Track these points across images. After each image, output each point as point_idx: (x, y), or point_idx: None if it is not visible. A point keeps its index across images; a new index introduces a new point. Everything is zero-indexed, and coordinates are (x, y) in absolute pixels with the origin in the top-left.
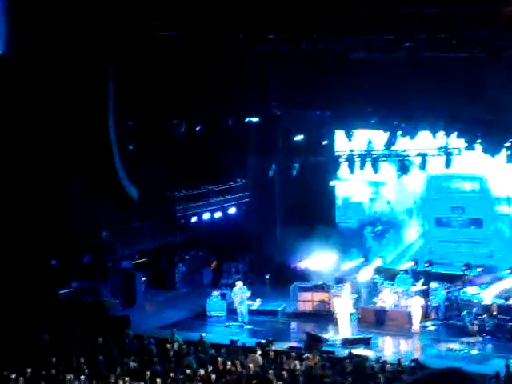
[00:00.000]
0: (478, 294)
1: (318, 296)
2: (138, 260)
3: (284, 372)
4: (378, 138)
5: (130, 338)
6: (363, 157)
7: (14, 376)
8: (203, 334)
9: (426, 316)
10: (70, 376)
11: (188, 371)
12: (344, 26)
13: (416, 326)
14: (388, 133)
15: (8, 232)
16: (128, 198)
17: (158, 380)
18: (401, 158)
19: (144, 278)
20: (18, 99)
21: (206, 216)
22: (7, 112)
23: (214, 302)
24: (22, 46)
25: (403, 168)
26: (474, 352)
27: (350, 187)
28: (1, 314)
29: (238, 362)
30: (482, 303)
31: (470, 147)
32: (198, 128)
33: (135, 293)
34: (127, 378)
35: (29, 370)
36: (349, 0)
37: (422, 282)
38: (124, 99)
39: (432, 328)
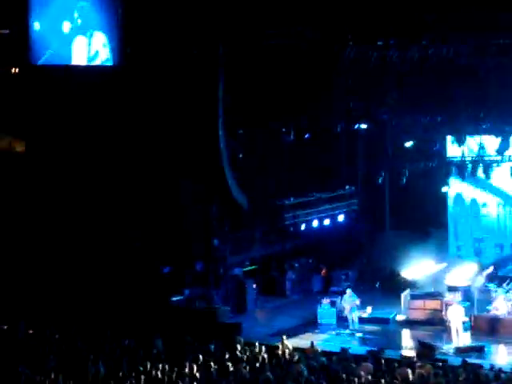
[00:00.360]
0: None
1: (430, 304)
2: (249, 267)
3: (396, 380)
4: (490, 143)
5: (241, 344)
6: (475, 162)
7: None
8: (314, 342)
9: None
10: (182, 383)
11: (299, 378)
12: (454, 31)
13: None
14: (500, 138)
15: (122, 240)
16: (238, 206)
17: None
18: None
19: (255, 285)
20: (130, 108)
21: (316, 223)
22: (120, 120)
23: (324, 310)
24: (133, 56)
25: None
26: None
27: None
28: (116, 320)
29: (349, 370)
30: None
31: None
32: (306, 135)
33: (246, 300)
34: None
35: (142, 377)
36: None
37: None
38: (234, 108)
39: None
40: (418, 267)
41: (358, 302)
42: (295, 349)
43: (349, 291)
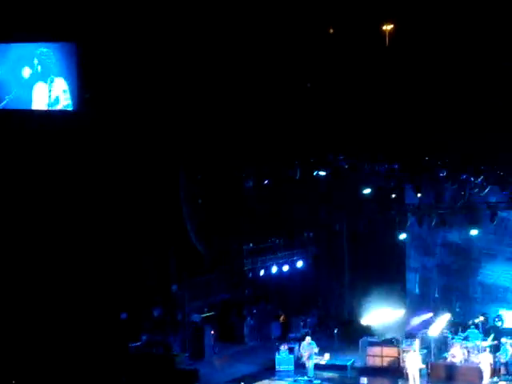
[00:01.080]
0: None
1: (388, 351)
2: (207, 313)
3: None
4: (447, 191)
5: None
6: (432, 210)
7: None
8: None
9: (494, 372)
10: None
11: None
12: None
13: (485, 381)
14: (457, 186)
15: (78, 285)
16: (197, 251)
17: None
18: (470, 212)
19: (212, 332)
20: (90, 153)
21: (274, 269)
22: (80, 165)
23: (283, 357)
24: (94, 102)
25: (472, 221)
26: None
27: None
28: (72, 367)
29: None
30: None
31: None
32: (265, 181)
33: (204, 346)
34: None
35: None
36: None
37: (491, 337)
38: (193, 153)
39: None
40: (376, 314)
41: (316, 349)
42: None
43: (308, 338)
